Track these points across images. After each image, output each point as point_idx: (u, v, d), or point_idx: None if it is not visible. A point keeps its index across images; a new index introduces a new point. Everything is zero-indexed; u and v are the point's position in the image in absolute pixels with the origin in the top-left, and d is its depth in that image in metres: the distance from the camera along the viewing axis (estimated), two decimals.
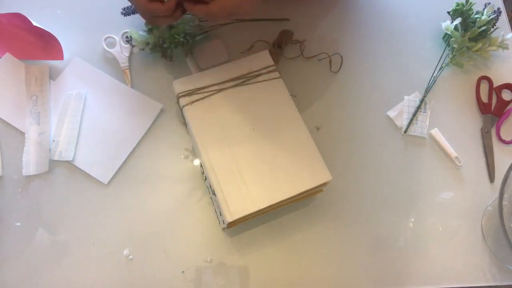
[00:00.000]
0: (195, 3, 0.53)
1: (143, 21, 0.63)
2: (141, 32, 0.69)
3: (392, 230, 0.65)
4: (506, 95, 0.74)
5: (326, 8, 0.78)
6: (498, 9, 0.74)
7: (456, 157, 0.69)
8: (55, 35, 0.67)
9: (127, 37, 0.69)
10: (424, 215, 0.66)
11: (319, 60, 0.73)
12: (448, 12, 0.75)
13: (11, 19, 0.67)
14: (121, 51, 0.71)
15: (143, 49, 0.68)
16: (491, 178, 0.69)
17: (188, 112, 0.59)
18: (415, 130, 0.69)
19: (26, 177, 0.63)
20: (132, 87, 0.70)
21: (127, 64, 0.70)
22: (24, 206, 0.62)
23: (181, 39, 0.67)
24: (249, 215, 0.56)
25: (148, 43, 0.67)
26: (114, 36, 0.72)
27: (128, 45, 0.70)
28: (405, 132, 0.69)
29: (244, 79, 0.63)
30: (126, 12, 0.70)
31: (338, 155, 0.68)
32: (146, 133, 0.67)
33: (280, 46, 0.71)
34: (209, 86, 0.62)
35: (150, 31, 0.68)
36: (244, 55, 0.66)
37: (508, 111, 0.73)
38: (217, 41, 0.72)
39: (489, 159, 0.69)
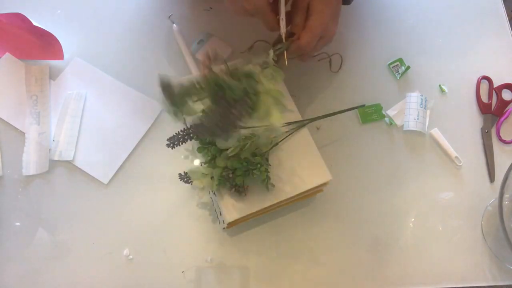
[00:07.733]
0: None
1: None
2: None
3: (392, 230, 0.65)
4: (506, 95, 0.74)
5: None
6: None
7: (456, 157, 0.69)
8: (55, 35, 0.67)
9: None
10: (424, 215, 0.66)
11: (319, 60, 0.73)
12: None
13: (11, 19, 0.67)
14: None
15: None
16: (491, 178, 0.69)
17: None
18: (416, 125, 0.68)
19: (26, 177, 0.63)
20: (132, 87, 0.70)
21: None
22: (24, 206, 0.62)
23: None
24: (249, 215, 0.56)
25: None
26: None
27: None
28: (404, 126, 0.69)
29: None
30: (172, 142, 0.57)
31: (338, 155, 0.68)
32: (146, 133, 0.67)
33: None
34: None
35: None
36: (244, 55, 0.66)
37: (508, 111, 0.72)
38: (213, 38, 0.72)
39: (489, 159, 0.69)
